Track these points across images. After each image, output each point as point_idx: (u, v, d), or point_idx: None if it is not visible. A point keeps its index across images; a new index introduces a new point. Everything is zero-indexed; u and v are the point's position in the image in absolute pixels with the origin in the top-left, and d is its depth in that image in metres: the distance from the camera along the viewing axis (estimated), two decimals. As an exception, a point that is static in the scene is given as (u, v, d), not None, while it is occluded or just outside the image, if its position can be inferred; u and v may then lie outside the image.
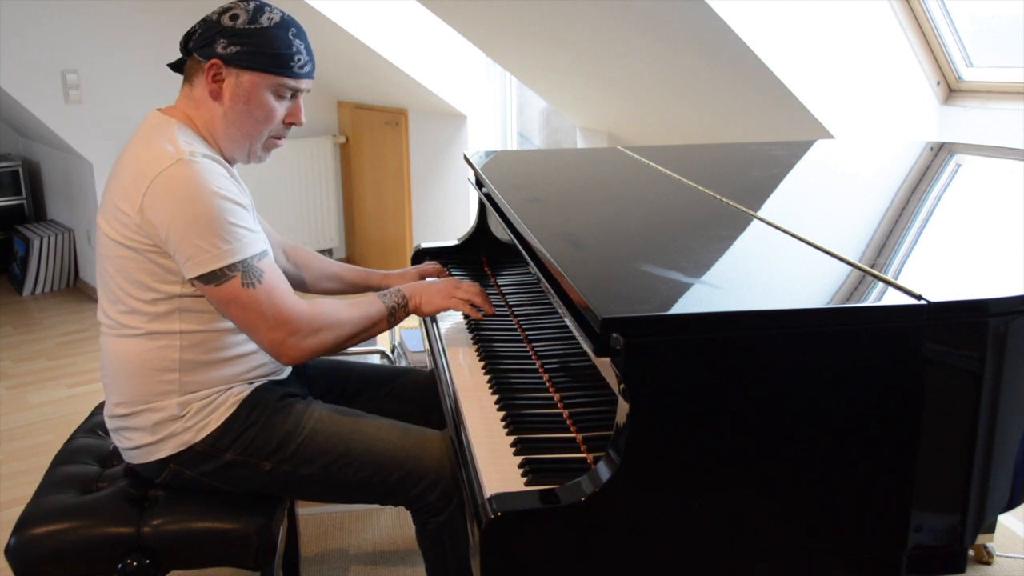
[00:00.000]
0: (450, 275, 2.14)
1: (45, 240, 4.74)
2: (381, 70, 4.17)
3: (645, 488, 1.12)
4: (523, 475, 1.25)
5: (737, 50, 2.40)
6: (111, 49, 4.25)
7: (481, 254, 2.23)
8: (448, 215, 4.52)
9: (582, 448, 1.33)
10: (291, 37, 1.57)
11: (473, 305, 1.72)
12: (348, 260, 5.33)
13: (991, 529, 2.26)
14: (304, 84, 1.62)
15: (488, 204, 2.02)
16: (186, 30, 1.61)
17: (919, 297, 1.16)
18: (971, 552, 2.26)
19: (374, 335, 1.66)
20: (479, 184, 2.08)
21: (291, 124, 1.65)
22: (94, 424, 1.90)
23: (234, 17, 1.54)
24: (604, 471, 1.12)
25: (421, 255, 2.27)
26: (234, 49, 1.54)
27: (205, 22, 1.57)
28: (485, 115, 4.29)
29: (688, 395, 1.11)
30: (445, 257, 2.26)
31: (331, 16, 3.76)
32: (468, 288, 1.72)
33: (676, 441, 1.12)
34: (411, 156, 4.66)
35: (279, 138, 1.66)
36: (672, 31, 2.52)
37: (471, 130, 4.27)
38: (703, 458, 1.13)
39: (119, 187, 1.52)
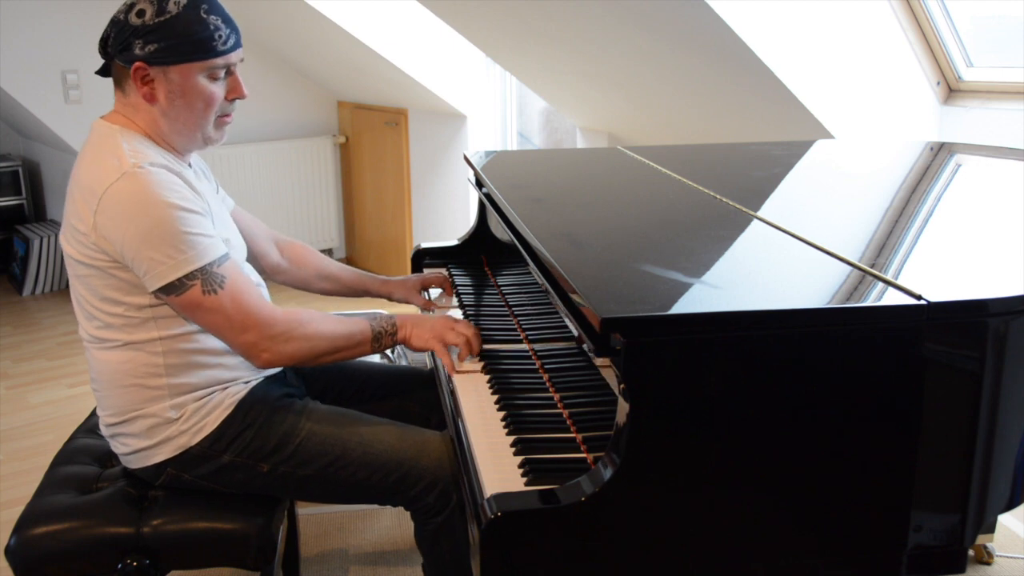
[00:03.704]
0: (451, 280, 2.12)
1: (45, 240, 4.73)
2: (381, 70, 4.17)
3: (645, 488, 1.12)
4: (523, 475, 1.25)
5: (737, 50, 2.39)
6: (111, 49, 4.24)
7: (481, 254, 2.23)
8: (448, 215, 4.52)
9: (582, 448, 1.33)
10: (204, 15, 1.49)
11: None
12: (348, 260, 5.32)
13: (991, 529, 2.26)
14: (234, 57, 1.55)
15: (488, 204, 2.02)
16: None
17: (919, 297, 1.16)
18: (971, 552, 2.26)
19: (356, 356, 1.62)
20: (479, 184, 2.08)
21: (235, 99, 1.59)
22: (94, 424, 1.89)
23: (141, 13, 1.46)
24: (604, 471, 1.12)
25: (421, 255, 2.27)
26: (152, 47, 1.47)
27: (115, 24, 1.49)
28: (485, 115, 4.29)
29: (688, 395, 1.11)
30: (445, 257, 2.26)
31: (331, 16, 3.76)
32: (462, 331, 1.65)
33: (676, 441, 1.12)
34: (411, 156, 4.66)
35: (227, 116, 1.60)
36: (672, 31, 2.52)
37: (471, 130, 4.27)
38: (703, 458, 1.13)
39: (72, 207, 1.49)
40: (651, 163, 2.07)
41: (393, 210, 4.84)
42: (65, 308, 4.56)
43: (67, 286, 4.86)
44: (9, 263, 5.04)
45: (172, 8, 1.47)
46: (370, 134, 4.90)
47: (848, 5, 2.48)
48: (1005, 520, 2.45)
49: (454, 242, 2.28)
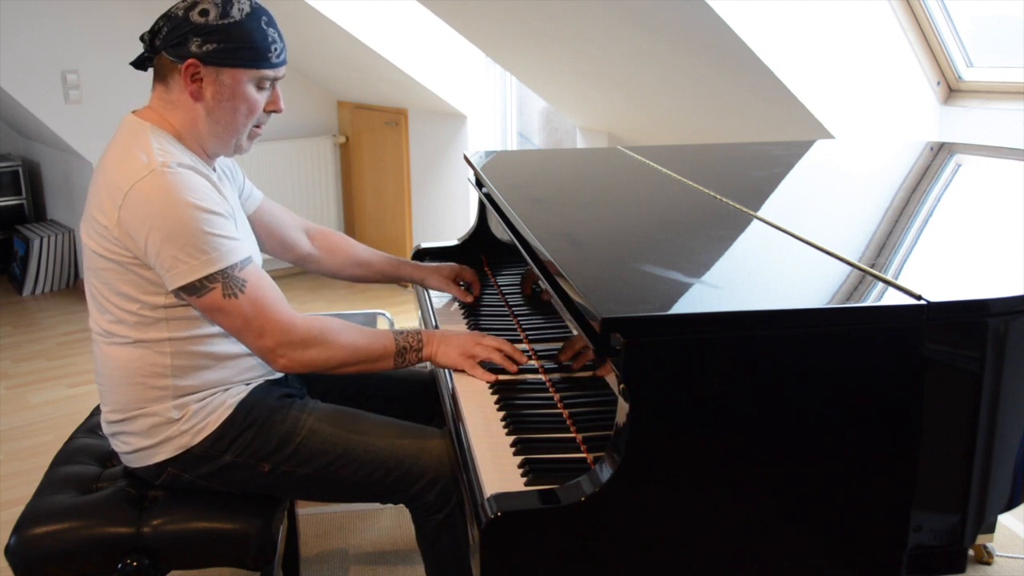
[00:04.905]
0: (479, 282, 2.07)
1: (45, 240, 4.74)
2: (381, 70, 4.17)
3: (645, 488, 1.12)
4: (523, 475, 1.25)
5: (737, 50, 2.39)
6: (111, 49, 4.25)
7: (481, 254, 2.23)
8: (448, 215, 4.52)
9: (582, 448, 1.33)
10: (264, 27, 1.53)
11: (491, 368, 1.61)
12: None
13: (991, 529, 2.26)
14: (282, 72, 1.58)
15: (488, 204, 2.02)
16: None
17: (919, 297, 1.16)
18: (971, 552, 2.26)
19: (378, 370, 1.61)
20: (479, 184, 2.08)
21: (272, 112, 1.61)
22: (94, 424, 1.90)
23: (204, 13, 1.49)
24: (604, 471, 1.12)
25: (421, 255, 2.27)
26: (211, 47, 1.49)
27: (171, 19, 1.51)
28: (485, 115, 4.29)
29: (688, 395, 1.11)
30: (445, 257, 2.26)
31: (331, 16, 3.76)
32: (490, 344, 1.61)
33: (676, 441, 1.12)
34: (411, 156, 4.66)
35: (260, 126, 1.62)
36: (672, 31, 2.52)
37: (471, 130, 4.27)
38: (703, 458, 1.13)
39: (97, 199, 1.50)
40: (651, 163, 2.07)
41: (393, 210, 4.84)
42: (65, 308, 4.57)
43: (67, 286, 4.89)
44: (9, 263, 5.04)
45: (236, 14, 1.50)
46: (370, 134, 4.90)
47: (848, 5, 2.48)
48: (1005, 520, 2.45)
49: (454, 242, 2.27)
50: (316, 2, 3.71)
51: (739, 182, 1.96)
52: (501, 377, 1.58)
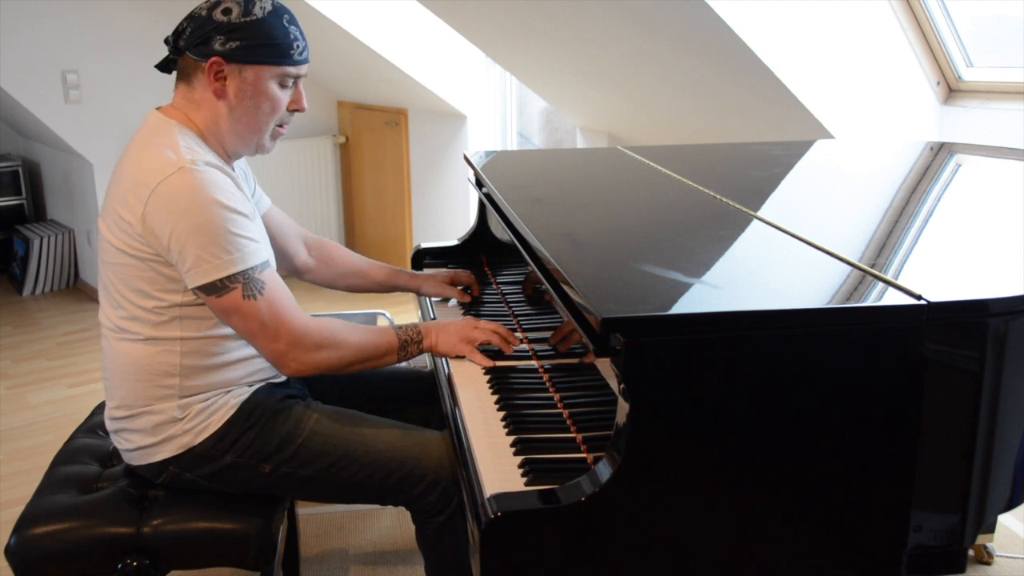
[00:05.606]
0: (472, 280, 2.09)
1: (45, 240, 4.74)
2: (381, 70, 4.17)
3: (645, 488, 1.12)
4: (523, 475, 1.25)
5: (737, 50, 2.40)
6: (111, 49, 4.24)
7: (481, 254, 2.23)
8: (448, 215, 4.52)
9: (582, 448, 1.33)
10: (287, 24, 1.55)
11: (488, 352, 1.64)
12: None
13: (991, 529, 2.26)
14: (304, 69, 1.60)
15: (488, 204, 2.02)
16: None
17: (919, 297, 1.16)
18: (971, 552, 2.26)
19: (382, 365, 1.62)
20: (479, 184, 2.08)
21: (295, 111, 1.63)
22: (94, 424, 1.90)
23: (227, 11, 1.51)
24: (604, 471, 1.12)
25: (421, 255, 2.27)
26: (234, 44, 1.51)
27: (195, 19, 1.53)
28: (485, 115, 4.29)
29: (688, 395, 1.11)
30: (445, 257, 2.26)
31: (331, 16, 3.76)
32: (486, 327, 1.65)
33: (676, 441, 1.12)
34: (411, 156, 4.66)
35: (283, 126, 1.63)
36: (672, 31, 2.52)
37: (471, 130, 4.27)
38: (703, 458, 1.13)
39: (120, 194, 1.50)
40: (651, 163, 2.07)
41: (393, 210, 4.84)
42: (65, 308, 4.57)
43: (67, 286, 4.89)
44: (9, 263, 5.04)
45: (258, 12, 1.52)
46: (370, 134, 4.90)
47: (848, 5, 2.48)
48: (1005, 520, 2.45)
49: (454, 242, 2.28)
50: (316, 2, 3.71)
51: (739, 182, 1.96)
52: (499, 363, 1.60)
